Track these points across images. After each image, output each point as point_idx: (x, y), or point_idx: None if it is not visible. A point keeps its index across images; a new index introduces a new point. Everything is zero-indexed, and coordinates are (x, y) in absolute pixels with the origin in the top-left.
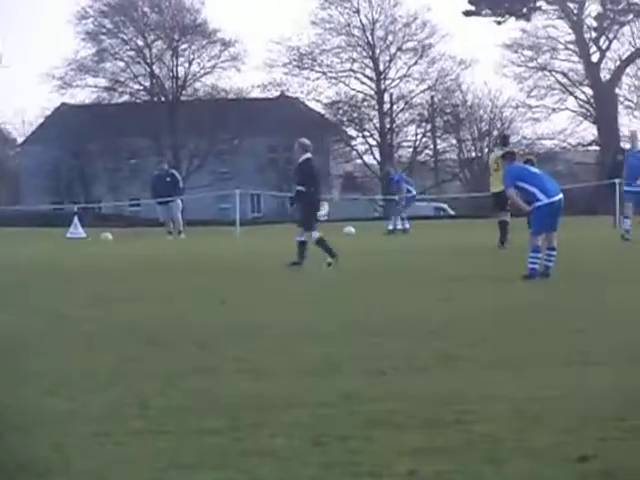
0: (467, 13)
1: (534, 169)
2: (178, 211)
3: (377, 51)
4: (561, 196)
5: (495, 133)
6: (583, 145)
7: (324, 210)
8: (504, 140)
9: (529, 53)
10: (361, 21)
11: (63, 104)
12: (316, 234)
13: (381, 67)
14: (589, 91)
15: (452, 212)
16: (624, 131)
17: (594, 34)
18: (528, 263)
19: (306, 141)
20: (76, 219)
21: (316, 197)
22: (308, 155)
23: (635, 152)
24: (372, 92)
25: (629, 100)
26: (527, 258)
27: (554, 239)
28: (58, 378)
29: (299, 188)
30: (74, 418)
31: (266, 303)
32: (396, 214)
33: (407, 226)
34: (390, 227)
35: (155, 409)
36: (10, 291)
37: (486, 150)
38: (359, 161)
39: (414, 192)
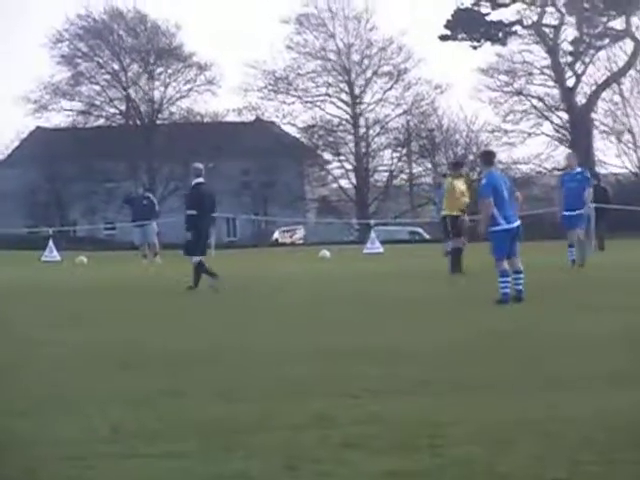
0: (443, 37)
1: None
2: (154, 234)
3: (353, 75)
4: (519, 223)
5: (471, 157)
6: (559, 169)
7: (300, 234)
8: (455, 167)
9: (505, 78)
10: (337, 45)
11: (38, 127)
12: (197, 259)
13: (357, 91)
14: (565, 116)
15: (427, 236)
16: (599, 156)
17: (570, 59)
18: (500, 288)
19: (199, 165)
20: (51, 242)
21: (204, 221)
22: (199, 180)
23: (574, 174)
24: (348, 116)
25: (604, 125)
26: (498, 283)
27: (518, 263)
28: (29, 401)
29: (188, 212)
30: (45, 442)
31: (239, 325)
32: None
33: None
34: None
35: (126, 432)
36: None
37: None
38: (335, 185)
39: None
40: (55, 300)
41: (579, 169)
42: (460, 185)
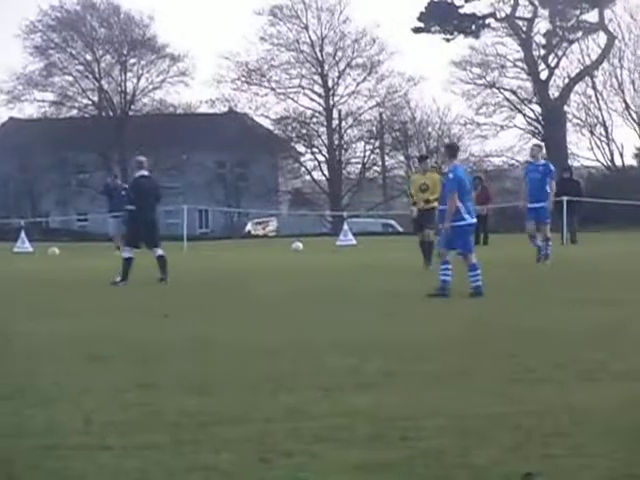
0: (416, 30)
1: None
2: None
3: (326, 67)
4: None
5: (443, 150)
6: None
7: (273, 226)
8: (420, 161)
9: (478, 70)
10: (310, 37)
11: (11, 118)
12: (128, 254)
13: (330, 83)
14: (537, 109)
15: (400, 228)
16: (572, 149)
17: (543, 52)
18: (440, 276)
19: (141, 158)
20: (23, 233)
21: (143, 216)
22: (142, 172)
23: (537, 165)
24: (321, 108)
25: (577, 118)
26: (438, 271)
27: (473, 258)
28: (1, 393)
29: (128, 207)
30: (18, 433)
31: (211, 319)
32: None
33: None
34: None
35: (98, 424)
36: None
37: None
38: (308, 177)
39: None
40: (27, 291)
41: (543, 161)
42: (419, 179)
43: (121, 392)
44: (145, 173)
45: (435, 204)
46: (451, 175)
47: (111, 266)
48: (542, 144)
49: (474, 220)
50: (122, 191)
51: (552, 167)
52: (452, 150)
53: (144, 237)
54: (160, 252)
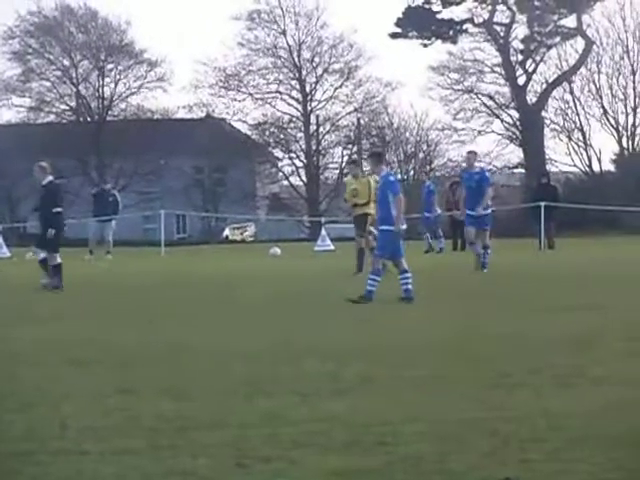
0: (393, 35)
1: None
2: (111, 232)
3: (303, 73)
4: (406, 225)
5: (421, 155)
6: (509, 168)
7: (251, 231)
8: (351, 163)
9: (455, 76)
10: (287, 42)
11: None
12: (43, 255)
13: (307, 89)
14: (515, 114)
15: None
16: (550, 154)
17: (521, 57)
18: (368, 285)
19: (44, 163)
20: (0, 238)
21: (62, 219)
22: (51, 177)
23: (472, 173)
24: (298, 114)
25: (555, 123)
26: (368, 280)
27: (404, 263)
28: None
29: (55, 210)
30: None
31: (189, 324)
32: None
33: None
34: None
35: (75, 429)
36: None
37: (412, 172)
38: (286, 182)
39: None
40: (5, 296)
41: (478, 168)
42: (350, 184)
43: (100, 397)
44: (53, 178)
45: (366, 209)
46: (391, 178)
47: (89, 271)
48: (476, 151)
49: (403, 227)
50: (109, 197)
51: (488, 174)
52: (379, 157)
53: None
54: (43, 256)
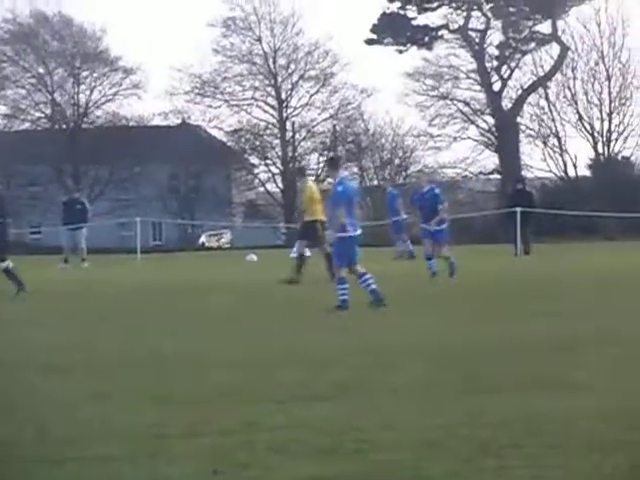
0: (369, 42)
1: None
2: (83, 239)
3: (279, 79)
4: (361, 231)
5: (397, 162)
6: (484, 174)
7: (227, 238)
8: (299, 171)
9: (431, 82)
10: (263, 49)
11: None
12: (4, 264)
13: (283, 95)
14: (491, 120)
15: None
16: (525, 160)
17: (496, 63)
18: (339, 295)
19: None
20: None
21: (6, 227)
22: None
23: (423, 193)
24: (274, 120)
25: (530, 129)
26: (337, 291)
27: (360, 268)
28: None
29: None
30: None
31: (166, 331)
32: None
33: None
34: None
35: (53, 436)
36: None
37: (388, 178)
38: (262, 189)
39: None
40: None
41: (427, 187)
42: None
43: (76, 404)
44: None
45: (309, 217)
46: (340, 188)
47: (64, 278)
48: (427, 171)
49: (356, 233)
50: (77, 205)
51: (437, 191)
52: (334, 162)
53: None
54: (5, 265)
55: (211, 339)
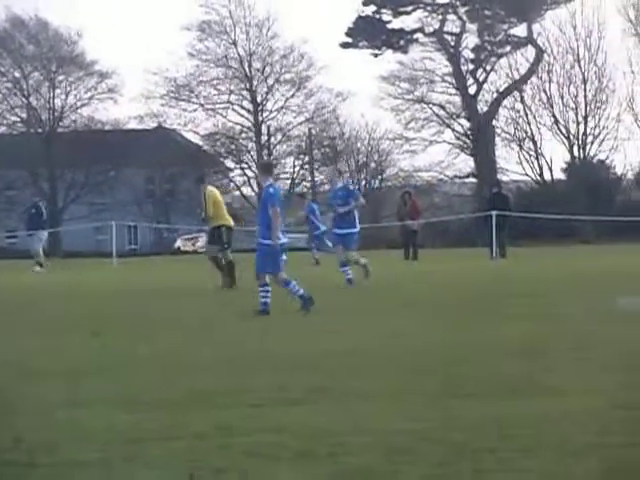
0: (344, 45)
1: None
2: (36, 243)
3: (255, 83)
4: (286, 240)
5: (372, 165)
6: (460, 177)
7: (202, 241)
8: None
9: (406, 85)
10: (238, 53)
11: None
12: None
13: (259, 99)
14: (466, 123)
15: (330, 244)
16: (501, 163)
17: (471, 66)
18: (261, 298)
19: None
20: None
21: None
22: None
23: (337, 190)
24: (250, 124)
25: (506, 132)
26: (259, 294)
27: (284, 275)
28: None
29: None
30: None
31: (139, 335)
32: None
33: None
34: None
35: (28, 442)
36: None
37: (363, 182)
38: (237, 193)
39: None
40: None
41: (340, 184)
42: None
43: (50, 409)
44: None
45: (215, 223)
46: (271, 190)
47: (38, 282)
48: (339, 168)
49: (284, 240)
50: (32, 209)
51: (351, 187)
52: (266, 167)
53: None
54: None
55: (187, 343)
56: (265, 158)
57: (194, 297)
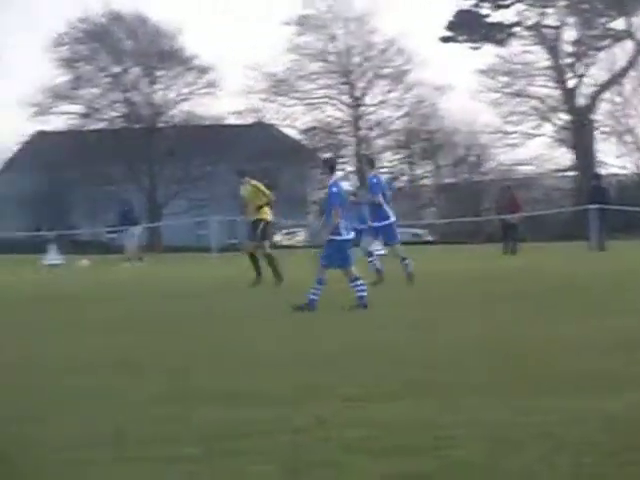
0: (444, 39)
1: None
2: (129, 239)
3: (353, 77)
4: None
5: (471, 159)
6: (560, 171)
7: (301, 236)
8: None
9: (505, 79)
10: (337, 47)
11: (39, 131)
12: None
13: (357, 93)
14: (565, 117)
15: (430, 237)
16: (600, 156)
17: (570, 60)
18: (311, 294)
19: None
20: (53, 246)
21: None
22: None
23: (370, 177)
24: (348, 118)
25: (605, 125)
26: (312, 289)
27: (354, 271)
28: (30, 405)
29: None
30: (44, 444)
31: (228, 331)
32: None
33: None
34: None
35: (131, 437)
36: None
37: (465, 175)
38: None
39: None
40: (55, 303)
41: (371, 175)
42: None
43: (151, 404)
44: None
45: (252, 217)
46: (334, 189)
47: (139, 277)
48: (371, 158)
49: (350, 236)
50: (125, 207)
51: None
52: (330, 164)
53: None
54: None
55: (268, 340)
56: (365, 153)
57: (285, 292)
